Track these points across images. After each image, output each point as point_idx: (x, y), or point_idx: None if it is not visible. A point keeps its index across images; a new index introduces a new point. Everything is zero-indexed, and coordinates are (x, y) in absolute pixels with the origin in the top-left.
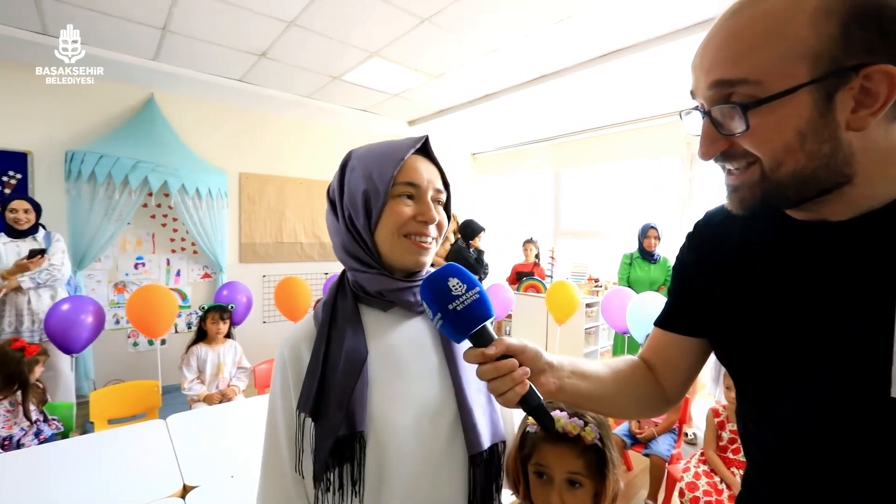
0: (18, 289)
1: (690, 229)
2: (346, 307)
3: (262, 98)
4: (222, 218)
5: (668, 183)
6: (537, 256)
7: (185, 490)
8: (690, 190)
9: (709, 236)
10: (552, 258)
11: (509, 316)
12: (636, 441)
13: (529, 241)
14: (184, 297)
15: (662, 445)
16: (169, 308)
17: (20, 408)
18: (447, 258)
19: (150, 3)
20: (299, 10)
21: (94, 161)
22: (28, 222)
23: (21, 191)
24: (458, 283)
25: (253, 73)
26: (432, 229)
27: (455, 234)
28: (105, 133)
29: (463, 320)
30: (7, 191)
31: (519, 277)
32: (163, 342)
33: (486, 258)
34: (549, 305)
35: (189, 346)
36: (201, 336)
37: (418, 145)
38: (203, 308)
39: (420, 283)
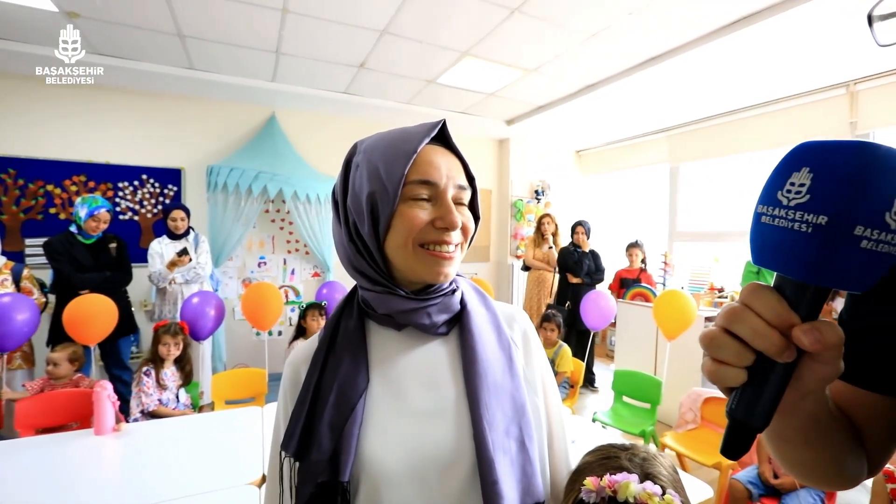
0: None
1: None
2: (350, 327)
3: (366, 108)
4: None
5: None
6: (643, 262)
7: (263, 480)
8: None
9: None
10: (666, 264)
11: (613, 324)
12: (768, 492)
13: (634, 245)
14: (297, 293)
15: (806, 501)
16: (276, 305)
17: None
18: (560, 263)
19: (263, 30)
20: (389, 17)
21: (227, 173)
22: (183, 227)
23: (176, 200)
24: None
25: (355, 85)
26: (455, 235)
27: (554, 235)
28: (237, 149)
29: (859, 266)
30: (167, 201)
31: (623, 285)
32: (279, 333)
33: (601, 261)
34: (658, 318)
35: (291, 342)
36: (301, 332)
37: (434, 132)
38: (302, 306)
39: (437, 300)
